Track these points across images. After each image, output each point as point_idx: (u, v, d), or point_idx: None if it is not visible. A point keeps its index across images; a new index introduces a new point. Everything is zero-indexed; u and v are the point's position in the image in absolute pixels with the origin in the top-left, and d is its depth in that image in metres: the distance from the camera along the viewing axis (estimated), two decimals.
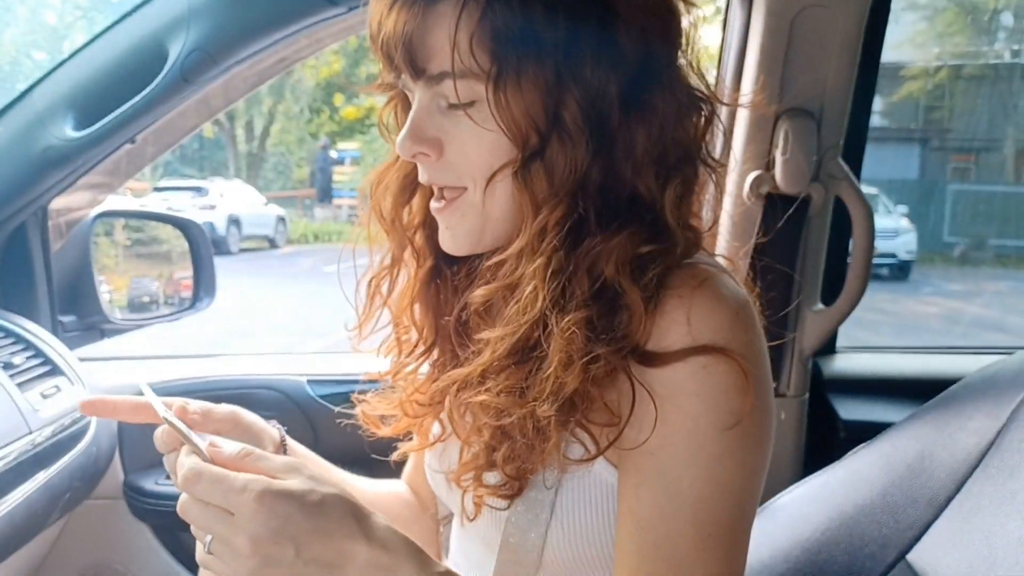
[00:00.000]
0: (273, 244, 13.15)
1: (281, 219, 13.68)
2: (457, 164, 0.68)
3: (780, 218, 1.25)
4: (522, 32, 0.63)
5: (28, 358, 1.29)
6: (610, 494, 0.70)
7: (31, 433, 1.16)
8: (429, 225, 0.77)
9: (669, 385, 0.63)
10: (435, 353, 0.81)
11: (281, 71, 1.38)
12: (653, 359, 0.63)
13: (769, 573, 1.08)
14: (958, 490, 0.98)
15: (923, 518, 0.99)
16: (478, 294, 0.70)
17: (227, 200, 12.46)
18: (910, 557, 0.98)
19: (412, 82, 0.68)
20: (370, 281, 0.81)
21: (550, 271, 0.64)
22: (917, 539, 0.99)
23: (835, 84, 1.21)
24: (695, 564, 0.63)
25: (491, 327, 0.69)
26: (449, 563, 0.89)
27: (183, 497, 0.64)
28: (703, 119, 0.70)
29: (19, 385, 1.21)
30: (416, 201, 0.79)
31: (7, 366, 1.23)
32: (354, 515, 0.62)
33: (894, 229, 10.69)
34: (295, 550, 0.60)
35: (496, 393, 0.66)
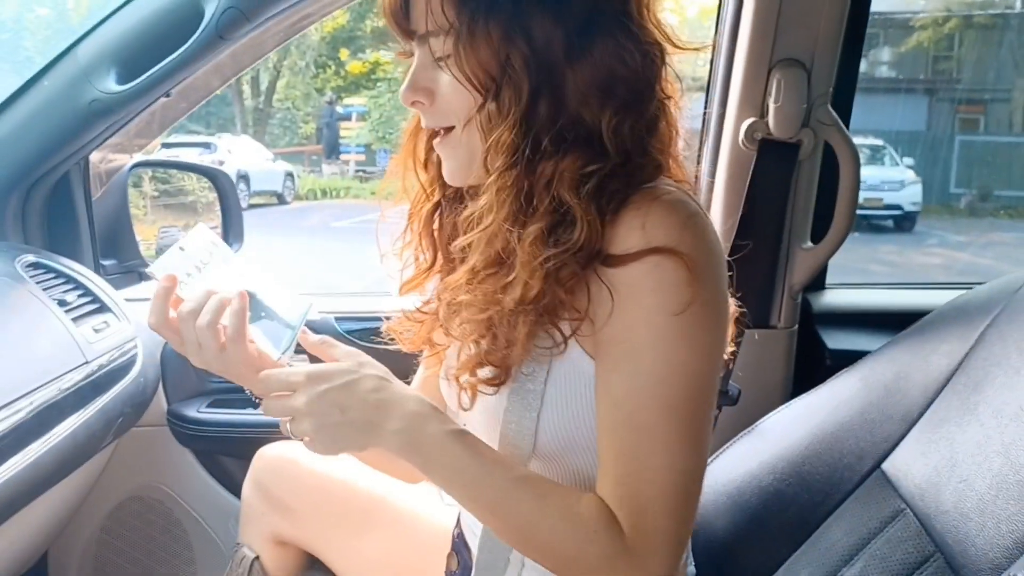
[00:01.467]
0: (282, 200, 13.18)
1: (289, 175, 13.69)
2: (444, 109, 0.82)
3: (772, 163, 1.34)
4: None
5: (79, 296, 1.39)
6: (591, 383, 0.81)
7: (87, 363, 1.26)
8: (434, 166, 0.92)
9: (628, 282, 0.74)
10: (437, 270, 0.95)
11: (306, 27, 1.45)
12: (613, 260, 0.75)
13: (758, 483, 1.17)
14: (928, 405, 1.07)
15: (897, 432, 1.08)
16: (463, 215, 0.84)
17: (235, 156, 12.47)
18: (884, 466, 1.07)
19: (408, 43, 0.84)
20: (410, 213, 0.95)
21: (501, 186, 0.77)
22: (891, 450, 1.08)
23: (825, 36, 1.29)
24: (661, 432, 0.75)
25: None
26: None
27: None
28: (652, 60, 0.80)
29: (73, 320, 1.32)
30: (421, 145, 0.93)
31: (61, 303, 1.33)
32: (385, 387, 0.82)
33: (900, 180, 10.64)
34: (340, 412, 0.79)
35: (476, 294, 0.79)
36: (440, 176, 0.91)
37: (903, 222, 10.66)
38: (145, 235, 2.12)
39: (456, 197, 0.93)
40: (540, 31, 0.76)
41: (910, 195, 10.78)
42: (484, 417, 0.88)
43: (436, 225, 0.95)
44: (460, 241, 0.83)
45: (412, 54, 0.85)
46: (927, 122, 14.43)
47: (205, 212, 2.00)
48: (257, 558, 1.20)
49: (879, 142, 11.32)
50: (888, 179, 10.39)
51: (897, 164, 11.43)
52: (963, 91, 14.69)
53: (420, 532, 1.13)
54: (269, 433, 1.48)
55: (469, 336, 0.82)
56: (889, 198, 10.32)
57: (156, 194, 2.44)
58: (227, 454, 1.56)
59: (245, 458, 1.30)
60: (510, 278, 0.77)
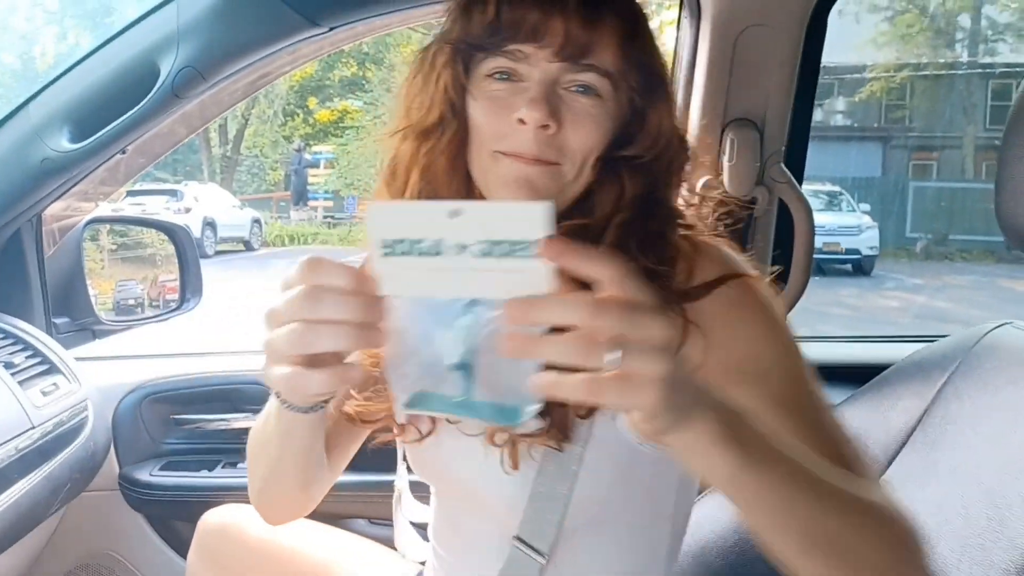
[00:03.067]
0: (249, 246, 13.12)
1: (256, 221, 13.65)
2: (567, 142, 0.76)
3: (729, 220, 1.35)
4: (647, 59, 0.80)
5: (27, 357, 1.35)
6: (633, 457, 0.79)
7: (34, 428, 1.23)
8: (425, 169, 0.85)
9: (719, 308, 0.76)
10: None
11: (264, 85, 1.46)
12: (694, 293, 0.76)
13: (723, 543, 1.16)
14: (890, 463, 1.07)
15: None
16: None
17: (202, 203, 12.42)
18: None
19: (543, 55, 0.76)
20: None
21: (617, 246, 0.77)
22: None
23: (776, 96, 1.32)
24: (824, 406, 0.77)
25: None
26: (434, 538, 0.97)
27: None
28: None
29: (20, 383, 1.28)
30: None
31: (8, 365, 1.29)
32: None
33: (857, 226, 10.90)
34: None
35: None
36: None
37: (861, 266, 10.87)
38: (102, 289, 2.08)
39: None
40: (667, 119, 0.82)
41: (867, 239, 11.02)
42: (507, 488, 0.81)
43: None
44: None
45: (485, 40, 0.77)
46: (882, 168, 14.82)
47: (164, 265, 1.97)
48: None
49: (836, 189, 11.59)
50: (845, 224, 10.62)
51: (854, 210, 11.69)
52: (916, 139, 15.14)
53: None
54: (222, 495, 1.45)
55: None
56: (847, 243, 10.54)
57: (114, 247, 2.40)
58: (180, 518, 1.51)
59: (196, 522, 1.26)
60: None
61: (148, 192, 12.45)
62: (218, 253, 12.01)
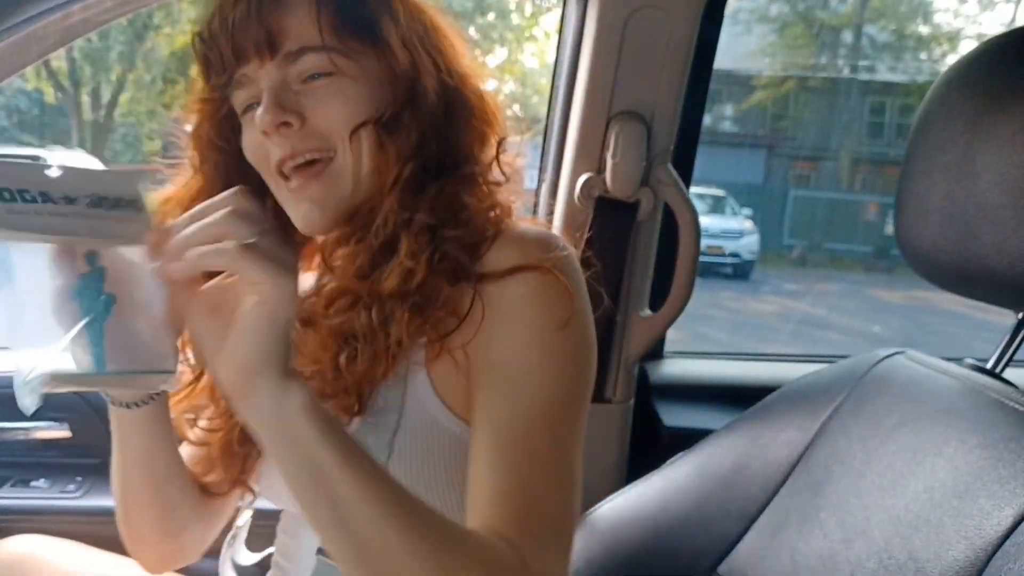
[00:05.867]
0: None
1: None
2: (321, 128, 0.76)
3: (609, 222, 1.22)
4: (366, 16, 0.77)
5: None
6: (452, 445, 0.76)
7: None
8: None
9: (507, 299, 0.73)
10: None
11: (87, 31, 1.23)
12: (488, 277, 0.73)
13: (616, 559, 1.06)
14: (767, 503, 0.99)
15: (734, 531, 1.00)
16: (329, 238, 0.79)
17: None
18: (720, 569, 0.98)
19: (260, 65, 0.76)
20: None
21: (401, 204, 0.75)
22: (728, 552, 0.99)
23: (667, 89, 1.19)
24: (551, 455, 0.70)
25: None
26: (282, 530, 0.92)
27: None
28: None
29: None
30: None
31: None
32: None
33: (739, 231, 11.20)
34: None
35: (349, 284, 0.74)
36: None
37: (740, 270, 11.19)
38: None
39: None
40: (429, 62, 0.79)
41: (748, 244, 11.35)
42: None
43: None
44: (338, 254, 0.77)
45: (216, 94, 0.81)
46: (764, 175, 15.33)
47: None
48: None
49: (721, 193, 11.89)
50: (728, 229, 10.91)
51: (736, 215, 12.02)
52: (798, 148, 15.74)
53: None
54: (12, 519, 1.24)
55: (323, 356, 0.73)
56: (729, 246, 10.82)
57: None
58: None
59: None
60: (393, 263, 0.73)
61: (8, 156, 11.58)
62: None
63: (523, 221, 0.81)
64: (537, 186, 1.34)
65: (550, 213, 1.29)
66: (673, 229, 1.29)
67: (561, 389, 0.73)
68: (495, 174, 0.82)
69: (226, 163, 0.83)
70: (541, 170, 1.33)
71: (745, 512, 1.00)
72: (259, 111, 0.76)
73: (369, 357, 0.73)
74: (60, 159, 12.18)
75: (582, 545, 1.10)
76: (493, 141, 0.82)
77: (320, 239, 0.82)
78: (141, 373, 0.61)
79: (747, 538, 0.98)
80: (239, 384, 0.59)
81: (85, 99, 16.83)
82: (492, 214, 0.78)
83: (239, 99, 0.80)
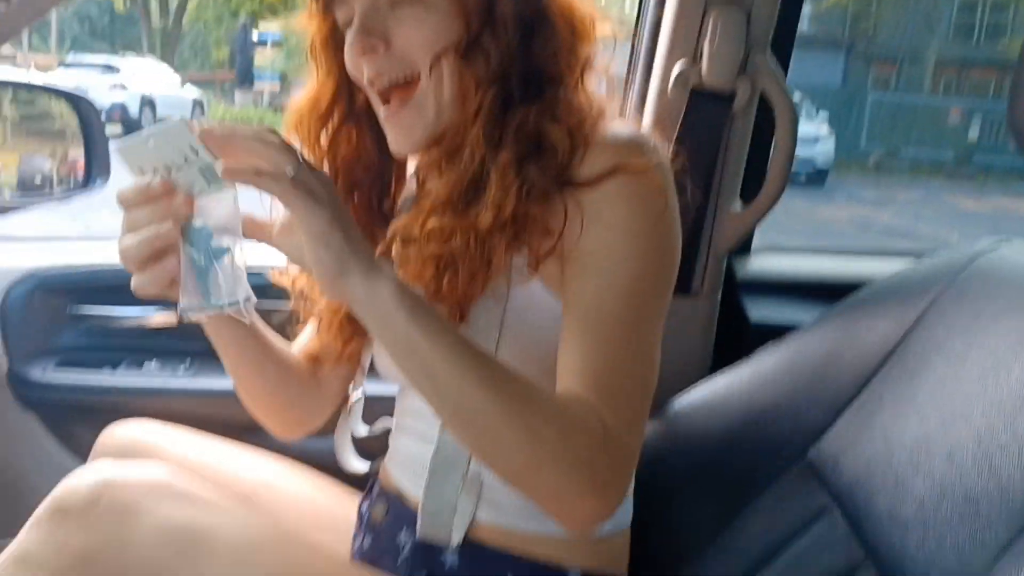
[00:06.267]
0: None
1: (198, 103, 13.04)
2: (405, 53, 0.79)
3: (703, 115, 1.21)
4: None
5: None
6: (554, 320, 0.79)
7: None
8: (334, 155, 0.91)
9: (601, 199, 0.76)
10: None
11: None
12: (585, 182, 0.76)
13: (670, 471, 1.09)
14: (859, 392, 0.99)
15: (825, 419, 1.01)
16: (421, 163, 0.85)
17: (140, 80, 11.78)
18: (811, 454, 1.00)
19: None
20: None
21: (482, 137, 0.77)
22: (818, 438, 1.00)
23: None
24: (634, 332, 0.76)
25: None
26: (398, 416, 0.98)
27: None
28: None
29: None
30: (328, 128, 0.91)
31: None
32: None
33: (814, 136, 10.84)
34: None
35: (444, 220, 0.77)
36: (334, 162, 0.90)
37: (815, 177, 10.88)
38: (6, 161, 1.90)
39: (344, 189, 0.92)
40: None
41: (823, 150, 11.02)
42: None
43: None
44: (431, 182, 0.81)
45: (327, 4, 0.85)
46: (842, 78, 14.72)
47: (73, 140, 1.78)
48: None
49: (796, 95, 11.48)
50: (803, 134, 10.50)
51: (812, 119, 11.61)
52: (878, 49, 15.02)
53: (312, 513, 1.04)
54: (127, 398, 1.33)
55: (423, 276, 0.78)
56: (803, 152, 10.50)
57: (19, 118, 2.19)
58: (78, 420, 1.37)
59: (100, 426, 1.13)
60: (482, 202, 0.77)
61: (83, 65, 11.78)
62: None
63: (615, 122, 0.83)
64: (627, 76, 1.32)
65: (641, 106, 1.28)
66: (764, 122, 1.27)
67: (646, 278, 0.77)
68: (587, 83, 0.84)
69: (340, 73, 0.88)
70: (631, 61, 1.31)
71: (836, 401, 1.01)
72: (349, 33, 0.81)
73: (467, 279, 0.77)
74: (133, 66, 12.33)
75: (666, 430, 1.13)
76: (585, 50, 0.83)
77: (415, 162, 0.89)
78: (234, 304, 0.71)
79: (837, 425, 0.99)
80: (328, 287, 0.68)
81: (154, 6, 16.94)
82: (584, 125, 0.79)
83: (340, 17, 0.84)
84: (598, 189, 0.76)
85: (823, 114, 12.08)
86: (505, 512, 0.86)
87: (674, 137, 1.21)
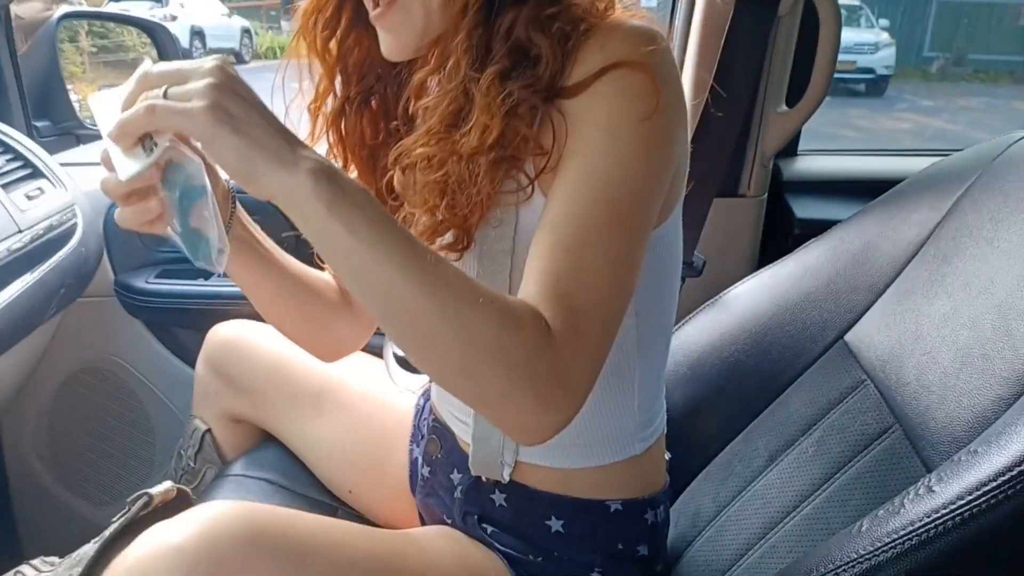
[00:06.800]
0: (240, 58, 12.65)
1: (246, 31, 13.07)
2: None
3: (749, 20, 1.25)
4: None
5: (8, 160, 1.31)
6: None
7: (20, 232, 1.20)
8: (345, 59, 0.86)
9: (587, 97, 0.70)
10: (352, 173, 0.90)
11: None
12: (573, 90, 0.70)
13: (719, 354, 1.16)
14: (896, 276, 1.05)
15: (862, 302, 1.07)
16: (416, 78, 0.78)
17: (188, 11, 11.84)
18: (847, 337, 1.06)
19: None
20: (309, 107, 0.87)
21: (469, 43, 0.72)
22: (855, 322, 1.06)
23: None
24: (604, 236, 0.68)
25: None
26: None
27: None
28: None
29: (3, 186, 1.24)
30: (339, 33, 0.85)
31: None
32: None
33: (874, 43, 10.44)
34: (246, 108, 0.62)
35: (432, 148, 0.73)
36: (345, 69, 0.86)
37: (875, 86, 10.52)
38: (84, 93, 2.00)
39: (359, 96, 0.87)
40: None
41: (883, 58, 10.60)
42: None
43: (343, 128, 0.88)
44: (422, 103, 0.76)
45: None
46: None
47: None
48: (209, 430, 1.19)
49: (856, 1, 11.02)
50: (862, 41, 10.17)
51: (873, 26, 11.17)
52: None
53: (378, 416, 1.10)
54: (221, 304, 1.46)
55: (427, 202, 0.75)
56: (863, 61, 10.14)
57: (94, 50, 2.28)
58: (179, 325, 1.51)
59: (197, 329, 1.26)
60: (468, 126, 0.71)
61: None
62: None
63: (621, 14, 0.76)
64: None
65: (690, 13, 1.33)
66: (809, 27, 1.31)
67: (628, 176, 0.70)
68: None
69: None
70: None
71: (874, 286, 1.06)
72: None
73: (466, 204, 0.74)
74: None
75: (716, 320, 1.22)
76: None
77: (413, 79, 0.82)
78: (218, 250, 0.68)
79: (874, 308, 1.05)
80: (242, 185, 0.63)
81: None
82: (579, 28, 0.72)
83: None
84: (588, 90, 0.70)
85: (883, 22, 11.60)
86: (541, 452, 0.86)
87: (722, 42, 1.26)
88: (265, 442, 1.19)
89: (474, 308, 0.62)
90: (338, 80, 0.87)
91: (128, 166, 0.64)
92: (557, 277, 0.66)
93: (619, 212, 0.69)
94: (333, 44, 0.86)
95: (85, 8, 1.69)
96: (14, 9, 1.41)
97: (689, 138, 1.27)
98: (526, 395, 0.62)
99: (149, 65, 0.65)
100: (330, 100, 0.88)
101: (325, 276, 0.96)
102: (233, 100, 0.61)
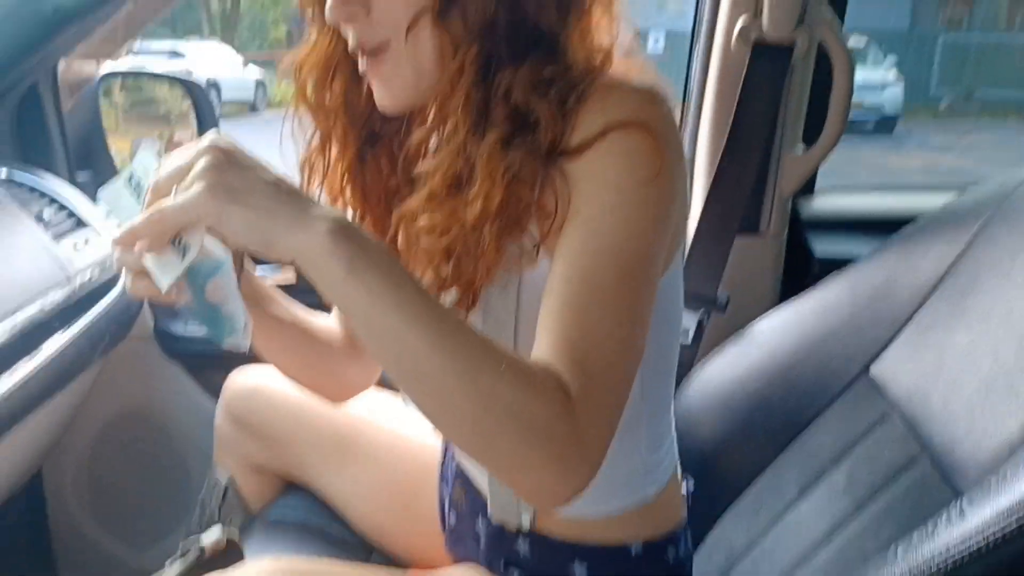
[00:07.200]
0: (253, 108, 12.89)
1: (260, 83, 13.33)
2: (382, 19, 0.74)
3: (765, 67, 1.30)
4: None
5: (56, 211, 1.36)
6: None
7: (69, 280, 1.25)
8: (349, 109, 0.85)
9: (591, 157, 0.70)
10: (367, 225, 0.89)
11: None
12: (574, 152, 0.70)
13: (744, 388, 1.19)
14: (917, 310, 1.07)
15: (884, 336, 1.09)
16: (414, 139, 0.78)
17: (205, 63, 12.11)
18: (872, 371, 1.09)
19: None
20: (302, 163, 0.87)
21: (467, 105, 0.72)
22: (878, 355, 1.09)
23: None
24: (613, 297, 0.68)
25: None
26: None
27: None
28: None
29: (53, 237, 1.29)
30: (336, 84, 0.84)
31: (39, 219, 1.30)
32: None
33: (881, 82, 10.53)
34: (247, 178, 0.61)
35: (435, 216, 0.73)
36: (358, 118, 0.85)
37: (883, 125, 10.57)
38: (119, 147, 2.07)
39: (372, 137, 0.87)
40: None
41: (891, 97, 10.68)
42: None
43: (359, 175, 0.87)
44: (423, 165, 0.75)
45: None
46: (911, 19, 14.18)
47: (179, 122, 1.95)
48: (231, 481, 1.19)
49: (862, 41, 11.13)
50: (869, 80, 10.25)
51: (879, 64, 11.26)
52: None
53: (406, 460, 1.11)
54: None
55: (432, 261, 0.75)
56: (870, 99, 10.21)
57: (128, 105, 2.37)
58: (215, 367, 1.55)
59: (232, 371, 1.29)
60: (471, 193, 0.71)
61: (150, 52, 12.10)
62: (221, 117, 11.78)
63: (623, 70, 0.76)
64: (692, 34, 1.41)
65: (707, 62, 1.38)
66: (824, 71, 1.35)
67: (633, 233, 0.70)
68: (591, 32, 0.77)
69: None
70: (696, 19, 1.41)
71: (896, 320, 1.08)
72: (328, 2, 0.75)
73: (472, 269, 0.73)
74: (197, 50, 12.57)
75: (742, 354, 1.25)
76: None
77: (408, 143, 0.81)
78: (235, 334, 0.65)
79: (896, 341, 1.07)
80: (260, 253, 0.61)
81: None
82: (578, 88, 0.72)
83: None
84: (590, 152, 0.70)
85: (891, 59, 11.70)
86: None
87: (740, 89, 1.31)
88: (291, 487, 1.20)
89: (494, 372, 0.61)
90: (342, 132, 0.86)
91: (163, 271, 0.61)
92: (571, 341, 0.66)
93: (627, 270, 0.69)
94: (330, 97, 0.85)
95: (126, 69, 1.76)
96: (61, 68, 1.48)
97: (710, 180, 1.31)
98: (544, 460, 0.62)
99: (153, 177, 0.63)
100: (335, 151, 0.87)
101: (331, 321, 0.96)
102: (231, 173, 0.60)
